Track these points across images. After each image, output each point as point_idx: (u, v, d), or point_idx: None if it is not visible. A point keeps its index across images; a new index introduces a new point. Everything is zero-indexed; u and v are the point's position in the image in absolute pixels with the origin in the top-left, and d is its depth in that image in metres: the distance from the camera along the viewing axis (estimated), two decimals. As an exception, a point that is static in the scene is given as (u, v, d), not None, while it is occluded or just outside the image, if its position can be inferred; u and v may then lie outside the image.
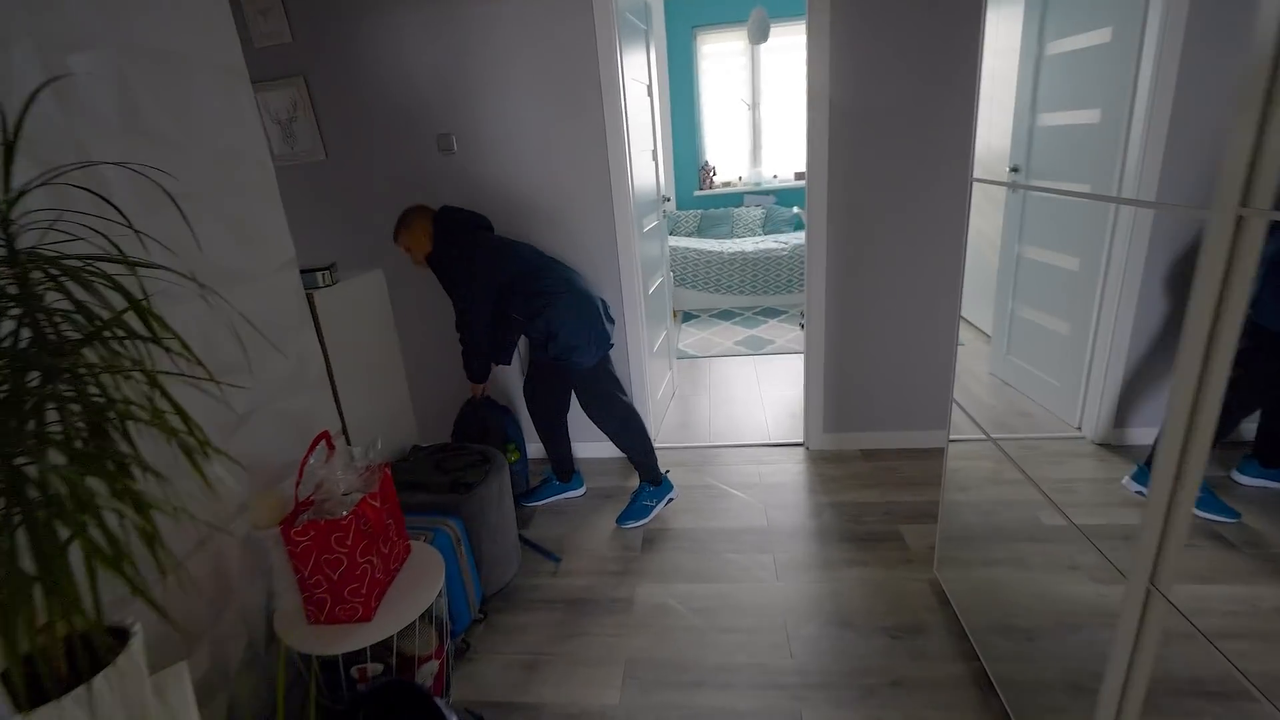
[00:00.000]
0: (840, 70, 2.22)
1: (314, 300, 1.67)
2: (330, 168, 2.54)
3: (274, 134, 2.50)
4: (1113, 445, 1.36)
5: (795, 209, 4.71)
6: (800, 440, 2.79)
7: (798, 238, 5.16)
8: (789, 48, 5.36)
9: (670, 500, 2.41)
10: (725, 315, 4.90)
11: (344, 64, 2.39)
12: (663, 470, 2.40)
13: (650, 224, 2.92)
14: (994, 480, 1.84)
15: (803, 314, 4.89)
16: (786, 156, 5.75)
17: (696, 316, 4.96)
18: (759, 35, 3.95)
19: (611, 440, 2.35)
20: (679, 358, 3.95)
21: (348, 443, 1.79)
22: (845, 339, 2.54)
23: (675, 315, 4.82)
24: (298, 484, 1.33)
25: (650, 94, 2.97)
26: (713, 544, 2.15)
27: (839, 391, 2.63)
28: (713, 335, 4.42)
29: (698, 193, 5.89)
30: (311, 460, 1.35)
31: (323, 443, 1.39)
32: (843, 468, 2.55)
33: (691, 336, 4.44)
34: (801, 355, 3.80)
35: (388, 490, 1.45)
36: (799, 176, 5.70)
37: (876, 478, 2.45)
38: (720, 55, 5.54)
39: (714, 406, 3.26)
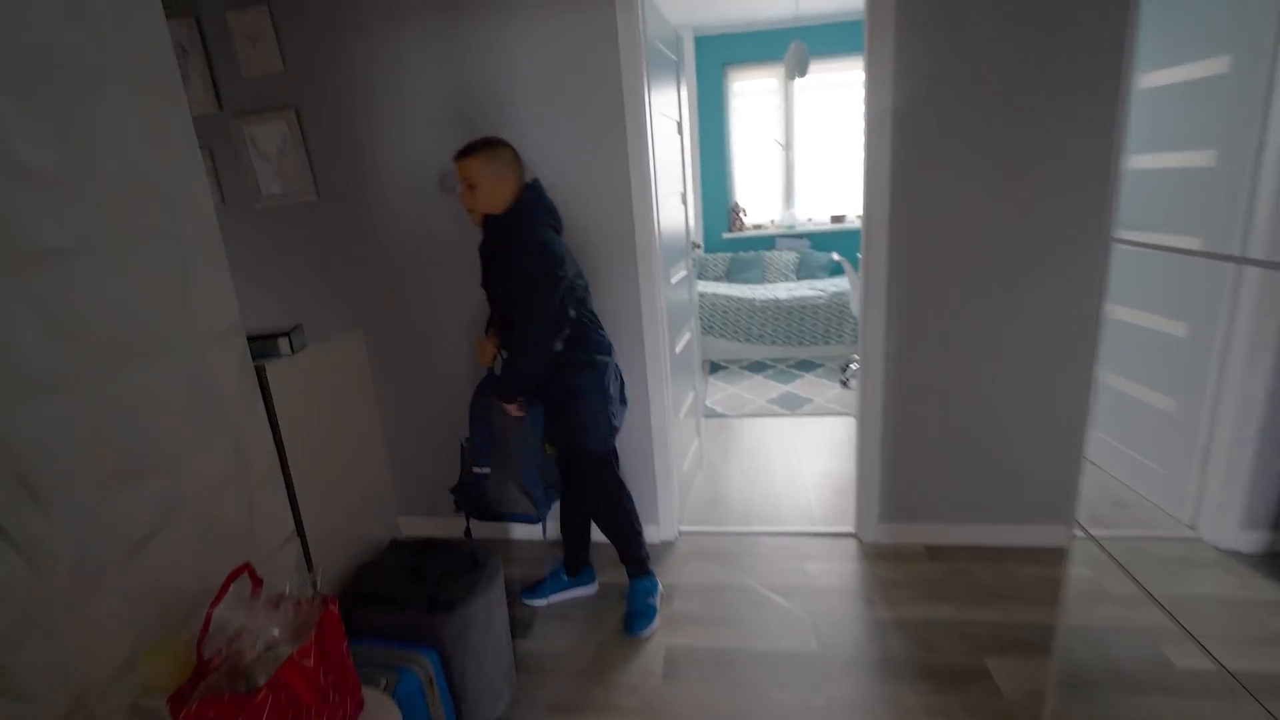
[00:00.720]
0: (906, 97, 1.90)
1: (265, 375, 1.35)
2: (322, 209, 2.27)
3: (263, 171, 2.24)
4: (1242, 553, 1.07)
5: (835, 255, 4.37)
6: (851, 529, 2.38)
7: (836, 284, 4.81)
8: (825, 86, 5.11)
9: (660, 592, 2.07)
10: (756, 367, 4.53)
11: (339, 95, 2.13)
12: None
13: (678, 274, 2.59)
14: (1096, 595, 1.44)
15: (844, 368, 4.53)
16: (821, 199, 5.44)
17: (724, 368, 4.59)
18: (797, 70, 3.68)
19: (602, 529, 2.00)
20: (706, 416, 3.57)
21: (304, 549, 1.45)
22: (908, 409, 2.15)
23: (703, 366, 4.46)
24: (201, 639, 0.98)
25: (680, 131, 2.68)
26: (751, 673, 1.74)
27: (900, 472, 2.23)
28: (744, 391, 4.04)
29: (726, 235, 5.59)
30: (223, 606, 1.01)
31: (243, 577, 1.05)
32: (905, 569, 2.14)
33: (720, 391, 4.07)
34: (844, 418, 3.42)
35: (330, 637, 1.09)
36: (835, 220, 5.38)
37: (948, 585, 2.03)
38: (752, 93, 5.30)
39: (747, 479, 2.87)
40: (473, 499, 1.87)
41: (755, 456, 3.10)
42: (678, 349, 2.55)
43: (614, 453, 1.98)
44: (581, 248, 2.08)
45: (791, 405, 3.71)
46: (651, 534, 2.40)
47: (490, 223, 1.74)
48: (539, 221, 1.73)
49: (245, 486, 1.27)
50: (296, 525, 1.43)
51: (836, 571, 2.16)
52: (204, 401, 1.17)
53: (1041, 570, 2.06)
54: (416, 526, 2.57)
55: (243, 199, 2.30)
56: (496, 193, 1.70)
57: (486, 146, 1.70)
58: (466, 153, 1.69)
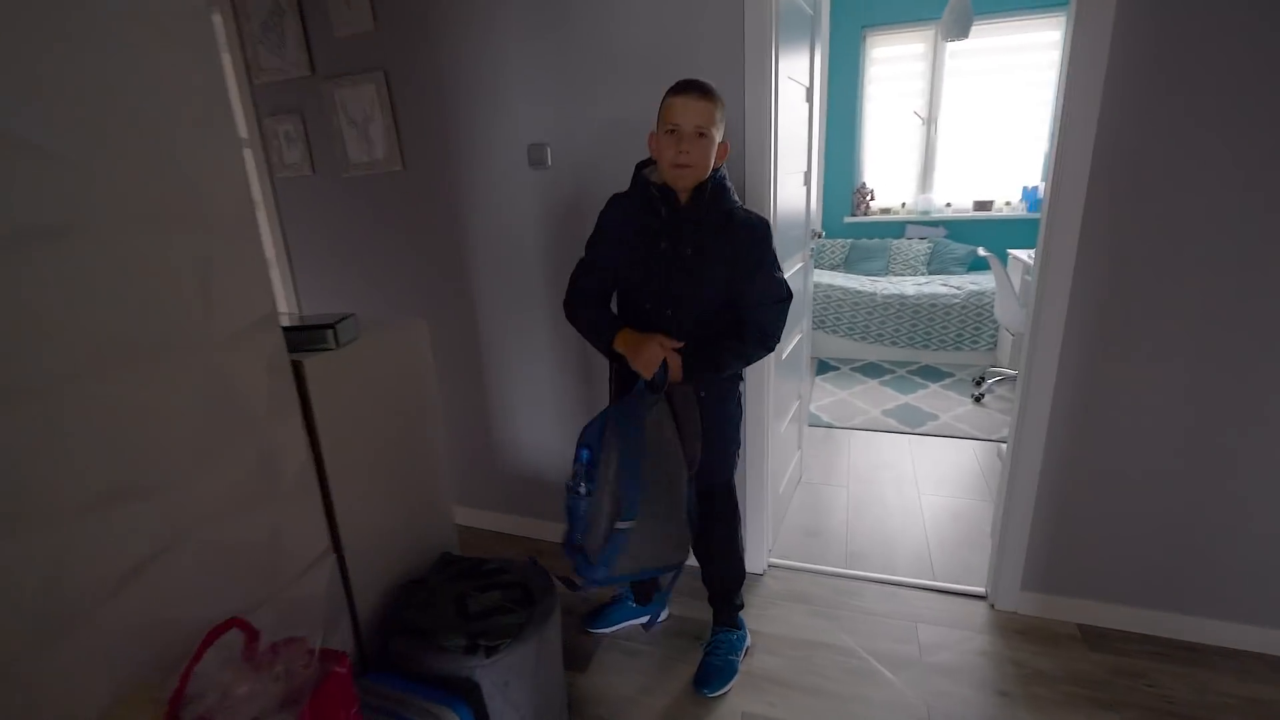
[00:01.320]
0: (1133, 48, 1.42)
1: (304, 372, 1.19)
2: (408, 180, 2.12)
3: (351, 138, 2.12)
4: None
5: (981, 250, 3.73)
6: (982, 590, 1.96)
7: (975, 282, 4.20)
8: (980, 52, 4.40)
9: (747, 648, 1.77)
10: (871, 371, 4.05)
11: (430, 58, 1.95)
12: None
13: (795, 266, 2.23)
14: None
15: (978, 381, 3.92)
16: (964, 183, 4.76)
17: (835, 369, 4.15)
18: (958, 30, 3.11)
19: (712, 572, 1.70)
20: (810, 424, 3.19)
21: (341, 567, 1.29)
22: (1084, 447, 1.69)
23: (809, 364, 4.05)
24: (174, 705, 0.82)
25: (810, 100, 2.29)
26: (845, 769, 1.42)
27: (1058, 531, 1.78)
28: (854, 398, 3.60)
29: (849, 219, 5.05)
30: (207, 662, 0.84)
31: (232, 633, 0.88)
32: (1055, 656, 1.71)
33: (827, 396, 3.66)
34: (975, 443, 2.92)
35: (333, 705, 0.91)
36: (979, 206, 4.69)
37: (1117, 690, 1.58)
38: (892, 60, 4.69)
39: (853, 508, 2.49)
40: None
41: (864, 480, 2.70)
42: (786, 351, 2.21)
43: None
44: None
45: (912, 420, 3.24)
46: (737, 564, 2.11)
47: (700, 193, 1.36)
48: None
49: (271, 501, 1.12)
50: (333, 541, 1.28)
51: (961, 644, 1.76)
52: (221, 407, 1.01)
53: (1255, 689, 1.56)
54: (475, 519, 2.44)
55: (332, 167, 2.20)
56: (714, 154, 1.34)
57: (722, 100, 1.33)
58: (707, 90, 1.29)
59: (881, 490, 2.61)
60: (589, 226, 1.52)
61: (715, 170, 1.38)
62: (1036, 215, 4.48)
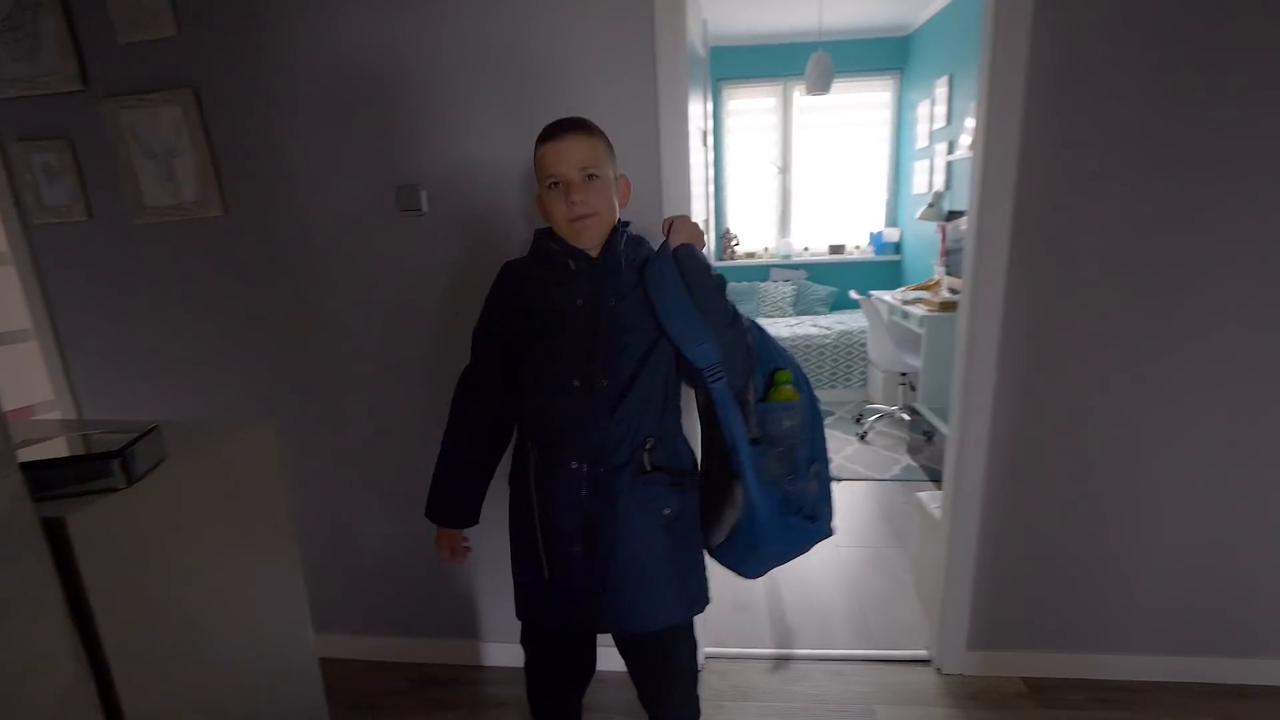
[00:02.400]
0: (1053, 59, 1.42)
1: (67, 535, 0.75)
2: (230, 229, 1.65)
3: (148, 174, 1.62)
4: None
5: (853, 293, 3.90)
6: (925, 654, 1.86)
7: (840, 321, 4.38)
8: (825, 108, 4.72)
9: None
10: (757, 414, 4.02)
11: (257, 70, 1.54)
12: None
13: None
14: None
15: (858, 419, 4.03)
16: (819, 228, 5.03)
17: (722, 414, 4.07)
18: (820, 84, 3.25)
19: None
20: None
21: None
22: (1019, 504, 1.65)
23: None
24: None
25: (705, 144, 2.17)
26: None
27: (995, 587, 1.72)
28: (748, 445, 3.52)
29: (717, 263, 5.11)
30: None
31: None
32: (1007, 716, 1.62)
33: (721, 445, 3.54)
34: (868, 483, 2.92)
35: None
36: (834, 250, 4.97)
37: (1078, 751, 1.52)
38: (747, 112, 4.88)
39: (775, 572, 2.32)
40: None
41: (779, 537, 2.56)
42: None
43: None
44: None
45: (808, 465, 3.20)
46: (670, 663, 1.83)
47: (612, 243, 1.11)
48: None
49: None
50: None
51: (921, 725, 1.63)
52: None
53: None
54: (339, 647, 1.94)
55: (118, 212, 1.66)
56: (613, 197, 1.11)
57: (603, 134, 1.11)
58: (583, 125, 1.08)
59: (798, 547, 2.48)
60: (477, 289, 1.22)
61: (622, 221, 1.15)
62: (884, 258, 4.84)
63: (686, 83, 1.47)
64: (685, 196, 1.53)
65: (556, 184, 1.06)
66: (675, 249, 1.10)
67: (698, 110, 1.98)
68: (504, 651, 1.88)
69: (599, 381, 1.10)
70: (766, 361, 1.21)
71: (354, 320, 1.68)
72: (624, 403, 1.09)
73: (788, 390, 1.21)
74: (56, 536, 0.74)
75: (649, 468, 1.11)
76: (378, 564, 1.86)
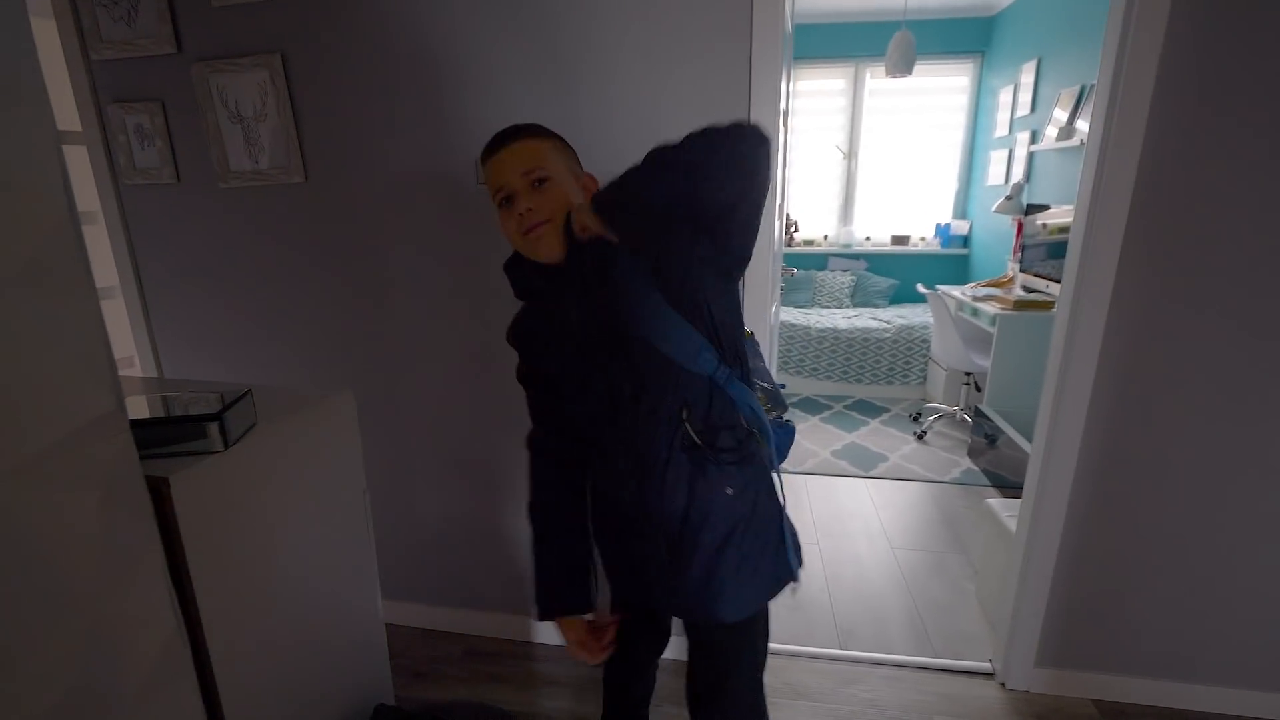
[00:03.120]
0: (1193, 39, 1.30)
1: (169, 494, 0.75)
2: (310, 195, 1.67)
3: (234, 139, 1.64)
4: None
5: (920, 286, 3.76)
6: (988, 666, 1.79)
7: (901, 315, 4.23)
8: (900, 91, 4.52)
9: None
10: (809, 406, 3.94)
11: (343, 37, 1.53)
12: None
13: (772, 305, 2.00)
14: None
15: (915, 417, 3.81)
16: (883, 217, 4.85)
17: (772, 404, 4.00)
18: (901, 66, 3.09)
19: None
20: (762, 470, 2.98)
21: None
22: (1110, 518, 1.56)
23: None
24: None
25: (785, 124, 2.09)
26: None
27: (1073, 604, 1.64)
28: (801, 437, 3.45)
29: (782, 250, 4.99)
30: None
31: None
32: (1083, 746, 1.55)
33: (772, 436, 3.48)
34: (928, 485, 2.82)
35: None
36: (897, 241, 4.79)
37: (1158, 785, 1.44)
38: (815, 94, 4.71)
39: (830, 571, 2.27)
40: None
41: (833, 535, 2.50)
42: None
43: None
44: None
45: (863, 462, 3.12)
46: (722, 654, 1.81)
47: (577, 249, 0.92)
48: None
49: (107, 716, 0.68)
50: (213, 736, 0.84)
51: (987, 743, 1.56)
52: (3, 591, 0.58)
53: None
54: (396, 614, 1.98)
55: (205, 176, 1.69)
56: (575, 197, 0.94)
57: (552, 133, 0.98)
58: (522, 130, 0.95)
59: (853, 546, 2.42)
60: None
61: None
62: (950, 251, 4.64)
63: (780, 58, 1.40)
64: (772, 180, 1.46)
65: (506, 199, 0.93)
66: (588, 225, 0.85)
67: (782, 89, 1.90)
68: (553, 630, 1.88)
69: (635, 408, 0.97)
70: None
71: (428, 292, 1.68)
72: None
73: None
74: (158, 495, 0.75)
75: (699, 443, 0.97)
76: (436, 535, 1.88)
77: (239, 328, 1.81)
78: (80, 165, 1.76)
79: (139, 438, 0.75)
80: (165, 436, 0.81)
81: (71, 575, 0.64)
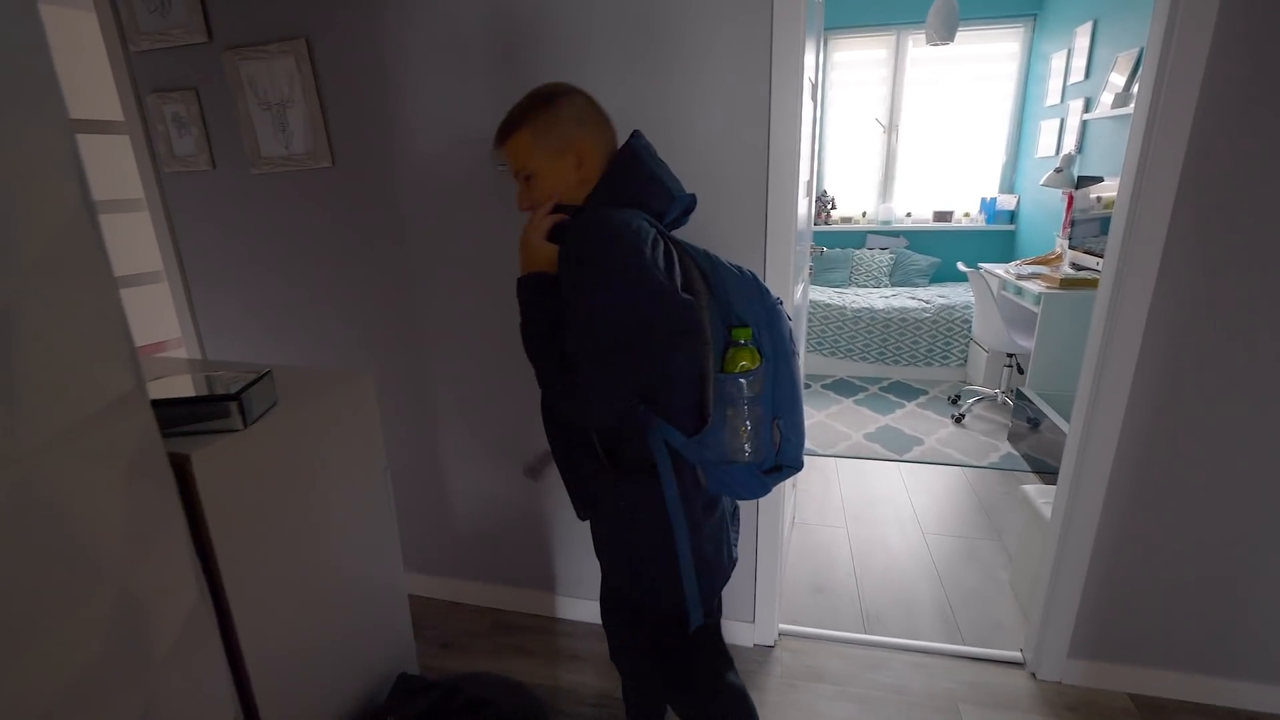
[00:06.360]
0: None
1: (190, 470, 0.79)
2: (337, 180, 1.70)
3: (264, 125, 1.68)
4: None
5: (961, 264, 3.62)
6: (1018, 656, 1.74)
7: (941, 294, 4.10)
8: (945, 60, 4.32)
9: None
10: (843, 388, 3.87)
11: (367, 21, 1.55)
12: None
13: (798, 285, 1.96)
14: None
15: (954, 399, 3.72)
16: (925, 192, 4.68)
17: (806, 386, 3.94)
18: (943, 33, 2.95)
19: None
20: (792, 453, 2.95)
21: (250, 738, 0.89)
22: (1142, 512, 1.50)
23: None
24: None
25: (815, 98, 2.02)
26: None
27: (1109, 594, 1.58)
28: (833, 420, 3.40)
29: (811, 228, 4.88)
30: None
31: None
32: (1117, 740, 1.50)
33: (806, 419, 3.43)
34: (964, 470, 2.74)
35: None
36: (939, 217, 4.62)
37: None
38: (853, 65, 4.54)
39: (857, 555, 2.24)
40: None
41: (861, 519, 2.47)
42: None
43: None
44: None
45: (897, 446, 3.05)
46: (743, 635, 1.81)
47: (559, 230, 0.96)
48: (636, 201, 0.93)
49: (138, 676, 0.72)
50: (243, 703, 0.88)
51: (1013, 733, 1.53)
52: (41, 553, 0.61)
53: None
54: (423, 586, 2.04)
55: (237, 161, 1.74)
56: (567, 174, 0.95)
57: (535, 109, 0.93)
58: (506, 131, 0.95)
59: (883, 531, 2.38)
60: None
61: (607, 173, 0.96)
62: (996, 227, 4.45)
63: (804, 25, 1.35)
64: (794, 154, 1.43)
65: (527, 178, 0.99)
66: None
67: (810, 60, 1.83)
68: (578, 606, 1.92)
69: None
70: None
71: (456, 273, 1.70)
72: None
73: (746, 355, 0.93)
74: (180, 472, 0.79)
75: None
76: (467, 511, 1.93)
77: (277, 308, 1.87)
78: (124, 154, 1.83)
79: (163, 417, 0.78)
80: (188, 416, 0.85)
81: (99, 545, 0.68)
